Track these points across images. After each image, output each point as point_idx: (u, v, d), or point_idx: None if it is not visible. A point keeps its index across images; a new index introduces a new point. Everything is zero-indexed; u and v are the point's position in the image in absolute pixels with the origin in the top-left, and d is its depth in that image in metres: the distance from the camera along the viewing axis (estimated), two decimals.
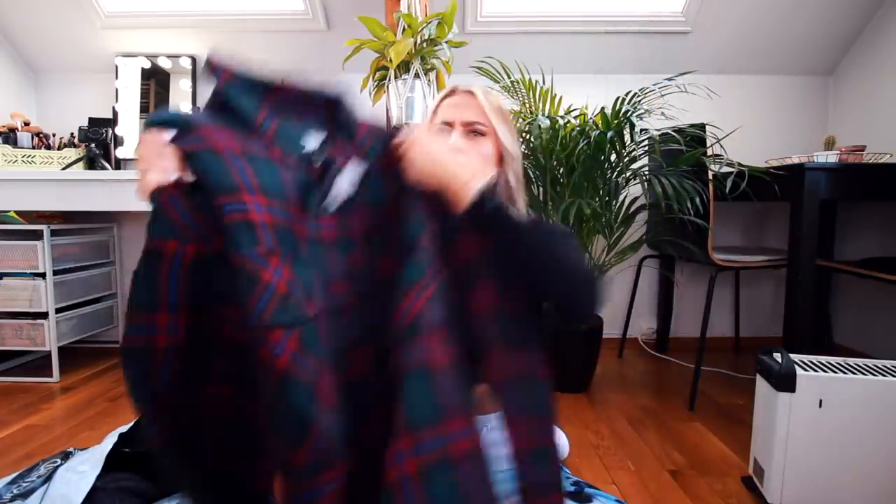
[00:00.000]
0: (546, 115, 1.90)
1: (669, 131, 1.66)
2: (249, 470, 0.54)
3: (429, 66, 1.46)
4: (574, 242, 0.64)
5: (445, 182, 0.61)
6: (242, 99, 0.55)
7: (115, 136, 2.27)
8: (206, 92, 2.35)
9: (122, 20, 2.19)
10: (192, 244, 0.48)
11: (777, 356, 1.16)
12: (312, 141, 0.58)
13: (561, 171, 1.79)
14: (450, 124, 0.80)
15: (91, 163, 2.10)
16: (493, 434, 0.74)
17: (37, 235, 1.90)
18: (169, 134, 0.51)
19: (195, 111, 0.57)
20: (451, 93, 0.82)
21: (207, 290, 0.49)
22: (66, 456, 0.73)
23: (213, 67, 0.56)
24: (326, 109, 0.60)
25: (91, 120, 2.29)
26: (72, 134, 2.23)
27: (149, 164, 0.51)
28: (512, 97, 1.97)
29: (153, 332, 0.45)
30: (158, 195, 0.48)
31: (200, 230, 0.49)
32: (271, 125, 0.55)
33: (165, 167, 0.50)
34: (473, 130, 0.79)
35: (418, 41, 1.42)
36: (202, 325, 0.49)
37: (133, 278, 0.47)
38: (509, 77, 1.91)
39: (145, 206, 0.48)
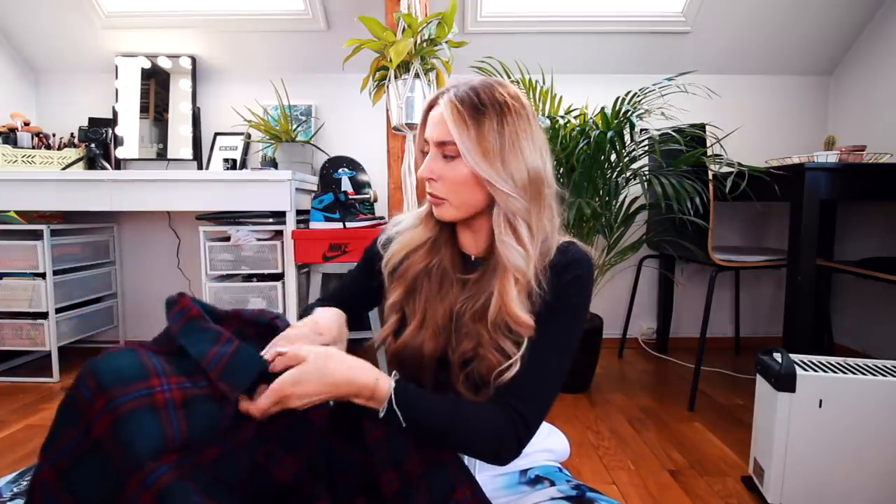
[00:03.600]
0: (546, 114, 1.90)
1: (669, 131, 1.66)
2: None
3: (429, 66, 1.46)
4: (470, 425, 0.64)
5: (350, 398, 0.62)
6: (196, 337, 0.57)
7: (115, 136, 2.27)
8: (205, 92, 2.35)
9: (122, 20, 2.19)
10: None
11: (777, 356, 1.16)
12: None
13: (561, 170, 1.80)
14: (428, 142, 0.71)
15: (91, 163, 2.10)
16: None
17: (37, 235, 1.90)
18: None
19: (147, 353, 0.55)
20: (435, 100, 0.71)
21: None
22: None
23: (178, 308, 0.58)
24: (266, 331, 0.64)
25: (91, 120, 2.29)
26: (72, 134, 2.23)
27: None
28: None
29: None
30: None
31: None
32: (229, 351, 0.57)
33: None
34: (445, 154, 0.68)
35: (418, 41, 1.43)
36: None
37: None
38: (509, 77, 1.91)
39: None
